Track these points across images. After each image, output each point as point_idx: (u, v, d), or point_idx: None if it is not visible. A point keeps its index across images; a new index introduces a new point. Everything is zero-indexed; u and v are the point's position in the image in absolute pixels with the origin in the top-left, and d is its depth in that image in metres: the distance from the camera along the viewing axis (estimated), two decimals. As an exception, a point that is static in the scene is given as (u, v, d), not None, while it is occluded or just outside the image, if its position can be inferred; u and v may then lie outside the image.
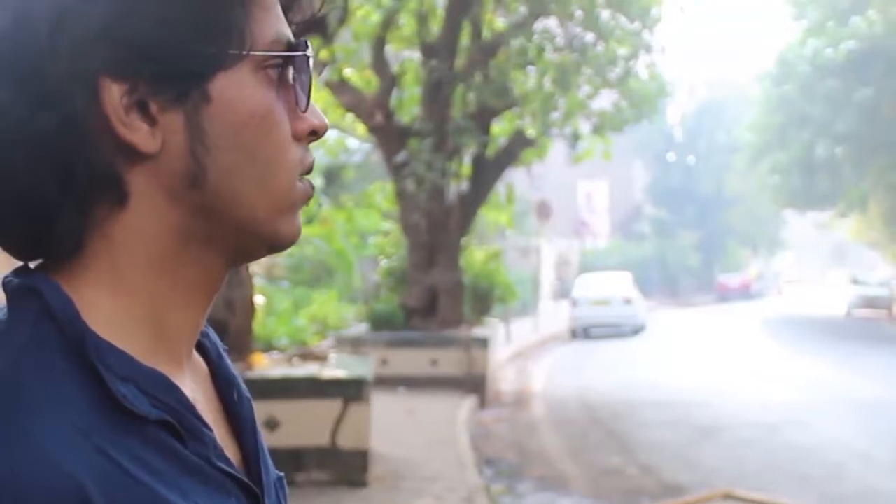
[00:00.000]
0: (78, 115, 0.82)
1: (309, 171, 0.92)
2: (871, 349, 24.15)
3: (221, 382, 0.97)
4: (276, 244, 0.91)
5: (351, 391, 8.09)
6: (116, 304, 0.85)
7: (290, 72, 0.89)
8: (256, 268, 10.99)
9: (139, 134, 0.83)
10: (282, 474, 0.99)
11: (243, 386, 0.99)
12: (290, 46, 0.89)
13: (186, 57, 0.83)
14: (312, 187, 0.92)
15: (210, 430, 0.87)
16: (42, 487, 0.74)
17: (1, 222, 0.85)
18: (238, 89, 0.86)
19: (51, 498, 0.74)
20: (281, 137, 0.88)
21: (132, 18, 0.82)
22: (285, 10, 0.92)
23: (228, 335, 7.98)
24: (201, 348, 0.97)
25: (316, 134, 0.91)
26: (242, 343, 8.20)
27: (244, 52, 0.86)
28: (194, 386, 0.91)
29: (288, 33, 0.90)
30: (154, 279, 0.86)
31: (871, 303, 39.83)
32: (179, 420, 0.83)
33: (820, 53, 36.01)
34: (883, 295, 39.52)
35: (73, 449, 0.76)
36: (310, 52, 0.90)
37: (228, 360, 1.00)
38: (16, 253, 0.87)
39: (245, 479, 0.89)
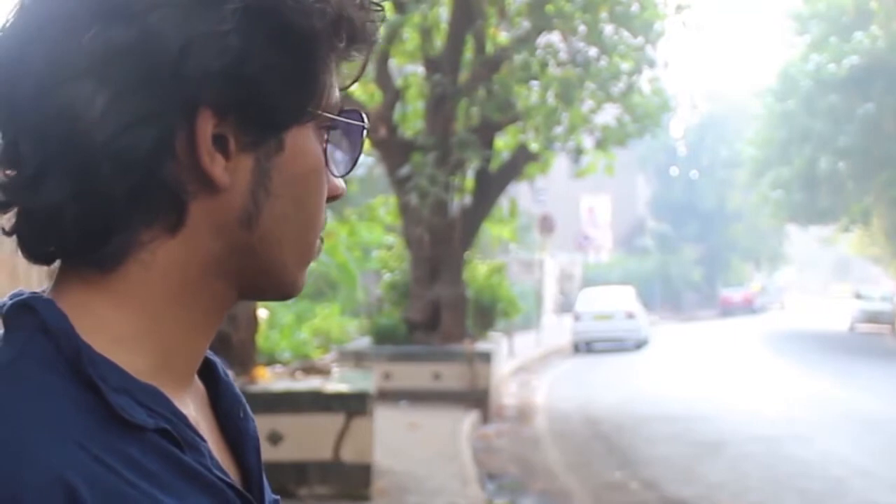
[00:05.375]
0: (170, 138, 0.83)
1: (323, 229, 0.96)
2: (874, 364, 24.13)
3: (226, 402, 0.98)
4: (287, 293, 0.94)
5: (354, 405, 8.09)
6: (127, 324, 0.86)
7: (335, 135, 0.93)
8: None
9: (219, 168, 0.85)
10: (278, 497, 1.00)
11: (247, 406, 1.00)
12: (340, 112, 0.92)
13: (277, 105, 0.86)
14: (322, 244, 0.96)
15: (204, 441, 0.88)
16: (31, 486, 0.75)
17: (53, 221, 0.84)
18: (306, 144, 0.89)
19: (40, 496, 0.75)
20: (324, 196, 0.92)
21: (250, 61, 0.84)
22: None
23: (232, 349, 7.99)
24: (205, 370, 0.97)
25: (335, 198, 0.95)
26: (245, 357, 8.21)
27: (318, 111, 0.89)
28: (195, 407, 0.93)
29: (339, 99, 0.93)
30: (173, 305, 0.87)
31: (874, 318, 39.77)
32: (175, 429, 0.84)
33: (822, 68, 36.07)
34: (886, 310, 39.47)
35: (64, 454, 0.77)
36: (366, 123, 0.94)
37: (232, 380, 1.01)
38: (58, 254, 0.87)
39: (244, 492, 0.90)
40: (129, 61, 0.82)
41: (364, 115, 0.94)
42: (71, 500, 0.76)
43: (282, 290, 0.93)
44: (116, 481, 0.78)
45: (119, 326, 0.85)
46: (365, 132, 0.94)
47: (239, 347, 8.11)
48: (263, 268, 0.90)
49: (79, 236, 0.85)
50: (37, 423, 0.78)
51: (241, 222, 0.87)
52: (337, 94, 0.92)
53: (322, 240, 0.95)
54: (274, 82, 0.85)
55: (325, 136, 0.91)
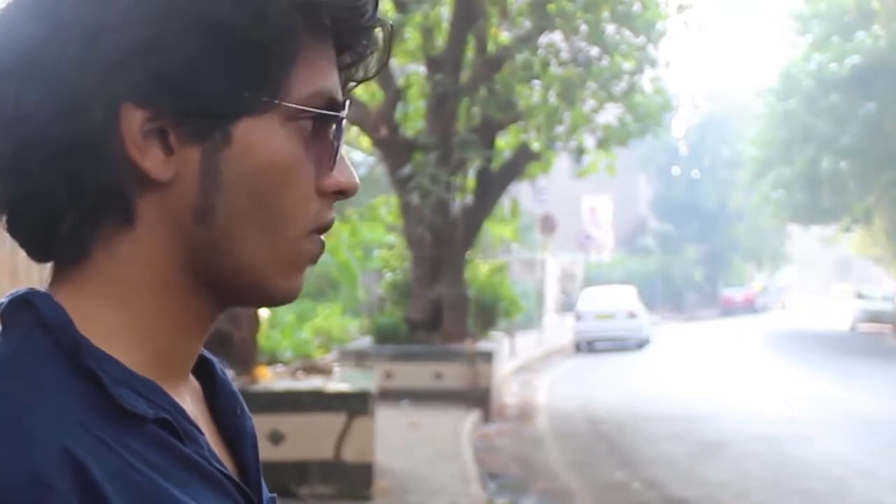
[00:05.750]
0: (95, 131, 0.83)
1: (326, 228, 0.91)
2: (875, 364, 24.12)
3: (223, 399, 0.98)
4: (270, 297, 0.91)
5: (355, 404, 8.09)
6: (114, 320, 0.86)
7: (328, 128, 0.89)
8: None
9: (152, 161, 0.84)
10: (275, 495, 1.00)
11: (244, 404, 1.00)
12: (332, 104, 0.89)
13: (214, 97, 0.84)
14: (323, 246, 0.92)
15: (202, 433, 0.88)
16: (44, 463, 0.76)
17: (15, 218, 0.87)
18: (262, 136, 0.86)
19: (53, 471, 0.75)
20: (298, 191, 0.88)
21: (165, 50, 0.82)
22: (349, 67, 0.93)
23: (233, 348, 7.99)
24: (201, 367, 0.97)
25: (344, 193, 0.91)
26: (247, 356, 8.21)
27: (275, 101, 0.86)
28: (192, 403, 0.93)
29: (334, 91, 0.90)
30: (152, 302, 0.87)
31: (875, 317, 39.77)
32: (175, 421, 0.85)
33: (824, 68, 36.04)
34: (887, 309, 39.44)
35: (70, 434, 0.78)
36: (343, 113, 0.90)
37: (229, 377, 1.01)
38: (31, 251, 0.89)
39: (241, 484, 0.90)
40: (45, 58, 0.83)
41: (345, 104, 0.90)
42: (81, 476, 0.76)
43: (261, 292, 0.90)
44: (120, 464, 0.79)
45: (105, 322, 0.86)
46: (343, 123, 0.90)
47: (240, 346, 8.11)
48: (233, 267, 0.88)
49: (39, 233, 0.86)
50: (39, 411, 0.78)
51: (196, 217, 0.86)
52: (323, 85, 0.88)
53: (322, 241, 0.91)
54: (198, 73, 0.83)
55: (308, 129, 0.88)
